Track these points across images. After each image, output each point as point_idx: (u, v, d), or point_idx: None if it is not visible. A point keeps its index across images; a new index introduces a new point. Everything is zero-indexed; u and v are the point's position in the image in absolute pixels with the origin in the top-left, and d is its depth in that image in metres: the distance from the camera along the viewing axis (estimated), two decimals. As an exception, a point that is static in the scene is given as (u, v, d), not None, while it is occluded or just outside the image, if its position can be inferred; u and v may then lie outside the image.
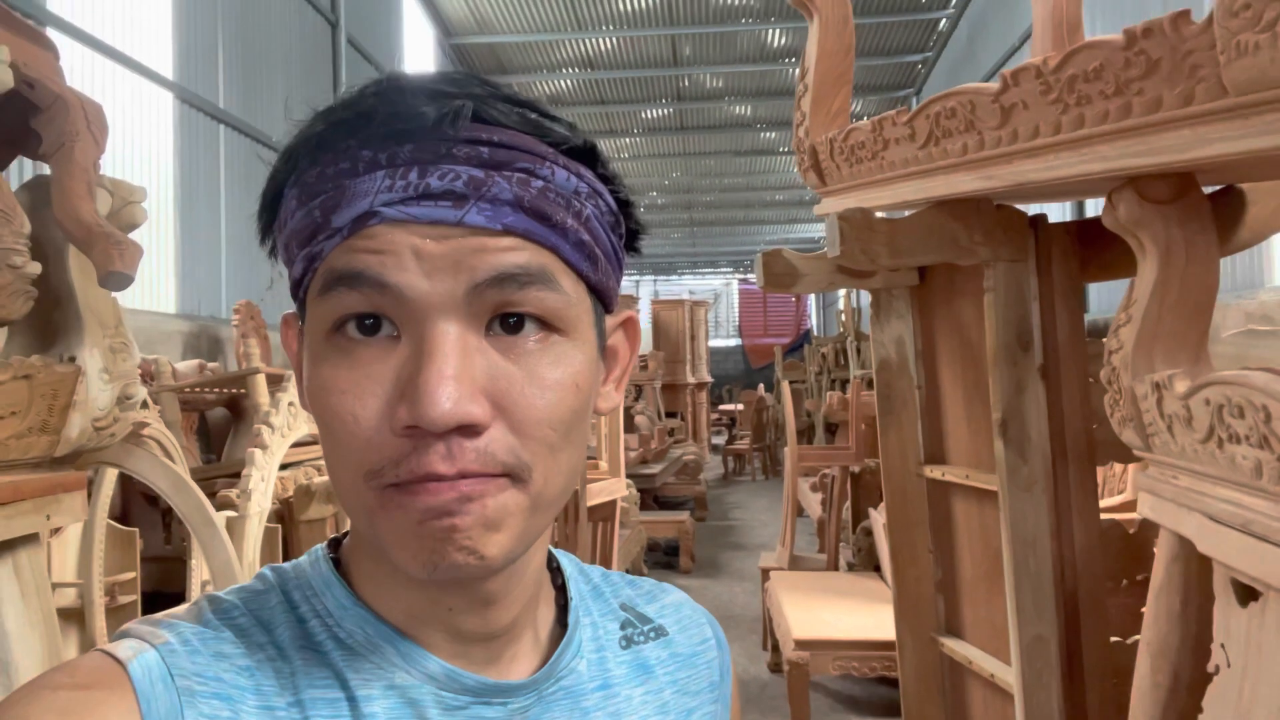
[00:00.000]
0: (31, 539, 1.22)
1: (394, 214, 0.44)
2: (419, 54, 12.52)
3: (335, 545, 0.55)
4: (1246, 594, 0.96)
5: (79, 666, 0.45)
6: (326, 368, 0.46)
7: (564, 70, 14.64)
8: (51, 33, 5.17)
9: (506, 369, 0.45)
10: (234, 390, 4.17)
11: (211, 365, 4.94)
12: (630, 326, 0.57)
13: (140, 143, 6.13)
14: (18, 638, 1.11)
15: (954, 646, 1.98)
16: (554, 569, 0.61)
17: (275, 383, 3.73)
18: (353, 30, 9.84)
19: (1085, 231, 1.62)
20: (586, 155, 0.50)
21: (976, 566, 1.95)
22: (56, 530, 1.74)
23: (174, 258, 6.50)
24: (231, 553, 1.38)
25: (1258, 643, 0.93)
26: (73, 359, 1.19)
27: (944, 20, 12.90)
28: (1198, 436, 1.00)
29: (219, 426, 4.71)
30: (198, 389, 3.99)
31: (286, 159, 0.48)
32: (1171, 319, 1.15)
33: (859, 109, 15.68)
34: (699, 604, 0.68)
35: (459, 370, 0.43)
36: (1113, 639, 1.63)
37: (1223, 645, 1.00)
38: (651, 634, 0.62)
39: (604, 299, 0.52)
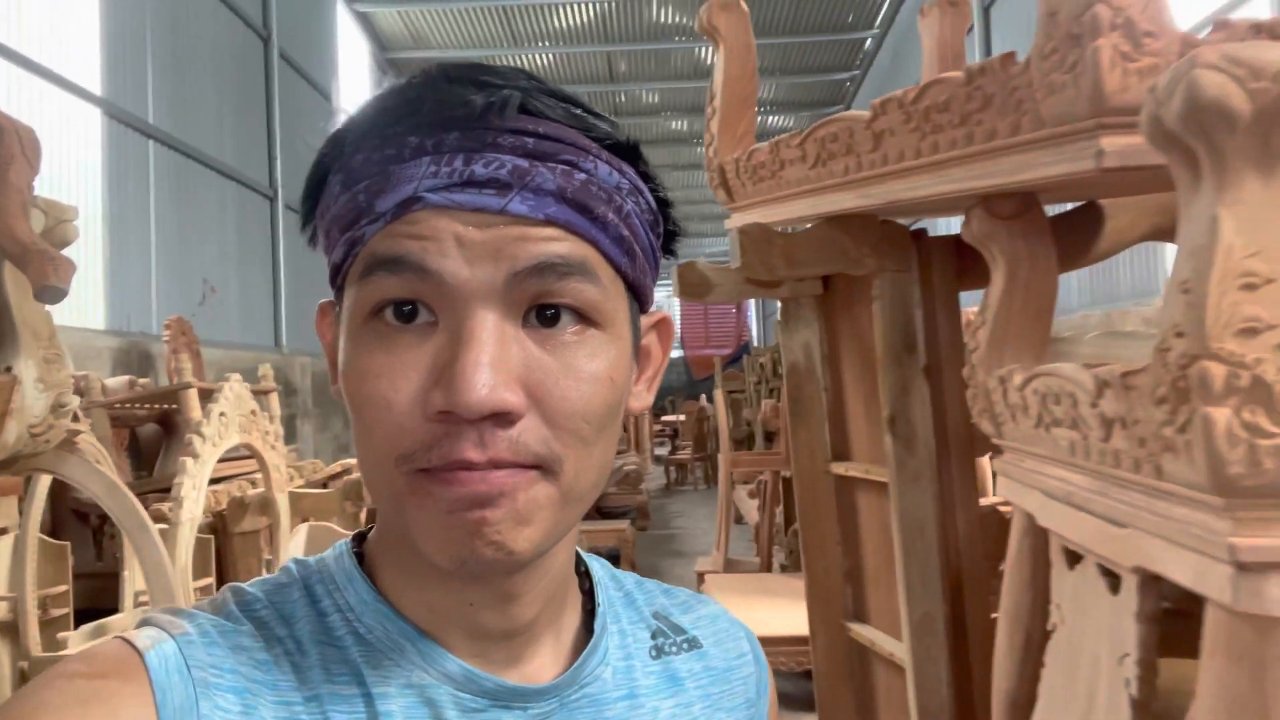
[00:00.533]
0: (-33, 544, 1.27)
1: (438, 200, 0.44)
2: (354, 69, 12.47)
3: (359, 540, 0.55)
4: (1073, 559, 1.10)
5: (96, 655, 0.45)
6: (362, 352, 0.46)
7: (501, 85, 14.70)
8: (-27, 48, 5.10)
9: (542, 359, 0.45)
10: (166, 406, 4.16)
11: (142, 381, 4.90)
12: (664, 327, 0.57)
13: (68, 159, 6.05)
14: (-43, 634, 1.16)
15: (860, 631, 2.11)
16: (582, 573, 0.60)
17: (207, 397, 3.75)
18: (285, 45, 9.79)
19: (960, 245, 1.78)
20: (629, 152, 0.50)
21: (879, 555, 2.09)
22: (-11, 541, 1.79)
23: (103, 274, 6.42)
24: (164, 553, 1.44)
25: (1080, 600, 1.07)
26: (9, 369, 1.25)
27: (869, 40, 13.32)
28: (1031, 422, 1.15)
29: (150, 442, 4.68)
30: (128, 405, 3.98)
31: (333, 144, 0.49)
32: (1018, 321, 1.30)
33: (791, 124, 16.04)
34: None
35: (496, 358, 0.43)
36: (993, 615, 1.77)
37: (1058, 605, 1.14)
38: (684, 645, 0.60)
39: (640, 297, 0.52)
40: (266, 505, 3.16)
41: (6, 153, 1.23)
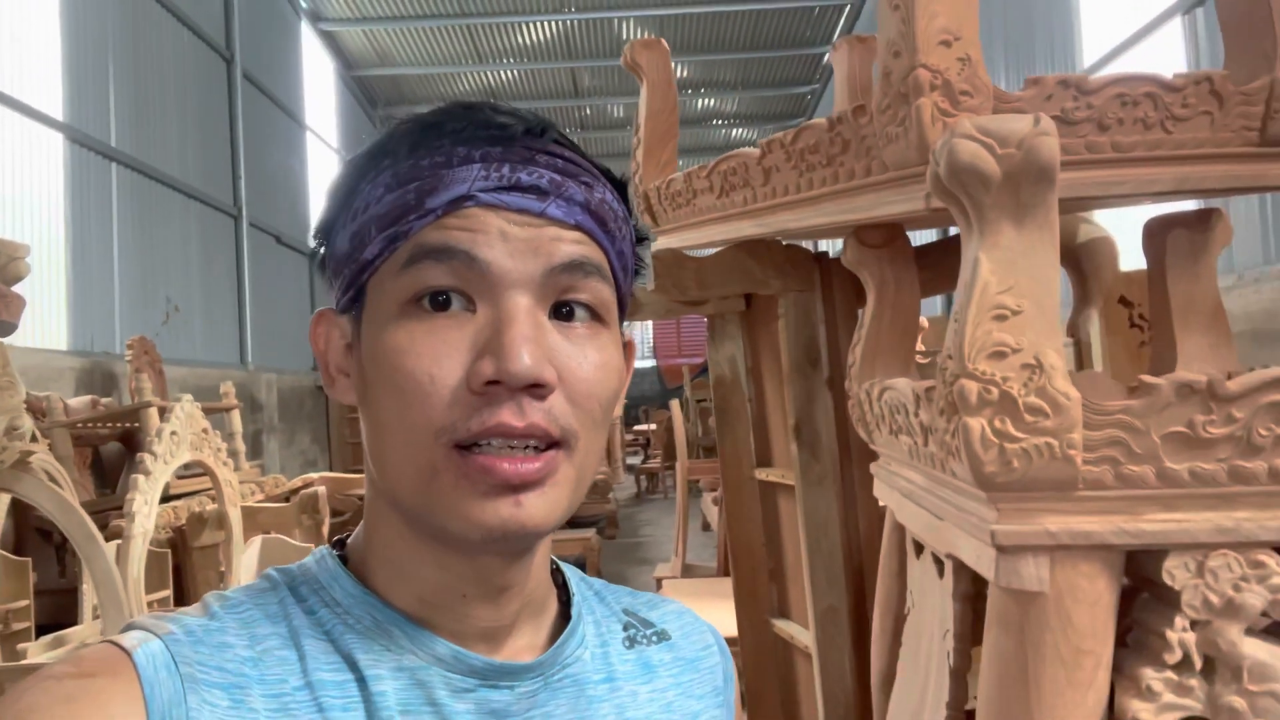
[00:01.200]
0: (-72, 558, 1.37)
1: (488, 199, 0.50)
2: (319, 87, 12.52)
3: (339, 545, 0.58)
4: (918, 549, 1.25)
5: (84, 656, 0.46)
6: (401, 334, 0.50)
7: (467, 101, 14.83)
8: (-67, 74, 5.14)
9: (564, 345, 0.51)
10: (127, 424, 4.24)
11: (105, 400, 4.97)
12: (629, 350, 0.61)
13: (29, 183, 6.10)
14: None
15: (782, 626, 2.26)
16: (554, 570, 0.64)
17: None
18: (249, 65, 9.83)
19: (856, 266, 1.93)
20: (621, 188, 0.58)
21: (797, 554, 2.23)
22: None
23: (65, 295, 6.45)
24: (111, 563, 1.55)
25: (922, 585, 1.22)
26: (-35, 397, 1.36)
27: (827, 54, 13.57)
28: (888, 430, 1.29)
29: (113, 460, 4.75)
30: (90, 424, 4.05)
31: (375, 154, 0.54)
32: (887, 339, 1.45)
33: (754, 137, 16.27)
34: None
35: (534, 337, 0.49)
36: (893, 607, 1.92)
37: (911, 591, 1.29)
38: (654, 637, 0.64)
39: (622, 311, 0.59)
40: (223, 519, 3.25)
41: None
